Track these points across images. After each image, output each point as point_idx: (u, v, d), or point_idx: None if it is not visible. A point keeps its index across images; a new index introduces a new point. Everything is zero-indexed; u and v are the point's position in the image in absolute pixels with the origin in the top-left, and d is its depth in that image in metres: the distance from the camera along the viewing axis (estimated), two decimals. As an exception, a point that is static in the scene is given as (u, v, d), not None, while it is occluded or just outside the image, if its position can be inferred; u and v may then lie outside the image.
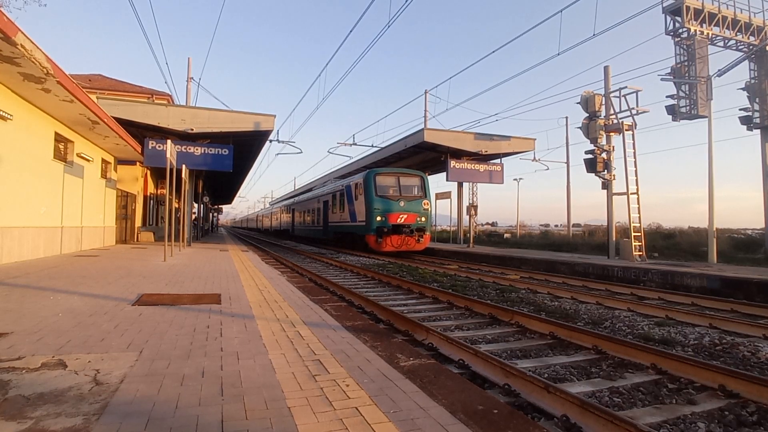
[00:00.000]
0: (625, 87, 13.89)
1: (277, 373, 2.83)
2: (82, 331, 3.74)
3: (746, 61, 15.81)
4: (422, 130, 21.14)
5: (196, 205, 28.45)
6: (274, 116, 17.26)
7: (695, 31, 14.03)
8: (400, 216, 18.65)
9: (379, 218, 18.43)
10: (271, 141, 20.97)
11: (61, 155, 12.05)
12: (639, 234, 13.49)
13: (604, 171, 14.36)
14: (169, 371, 2.81)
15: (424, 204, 19.55)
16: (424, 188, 20.00)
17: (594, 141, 14.49)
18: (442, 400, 2.49)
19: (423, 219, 19.25)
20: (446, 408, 2.39)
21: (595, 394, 3.63)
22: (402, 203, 18.88)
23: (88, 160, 13.76)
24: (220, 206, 67.14)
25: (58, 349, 3.22)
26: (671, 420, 3.16)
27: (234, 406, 2.29)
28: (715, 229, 13.13)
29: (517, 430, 2.18)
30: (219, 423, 2.10)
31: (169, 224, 12.99)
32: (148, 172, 22.38)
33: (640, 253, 13.39)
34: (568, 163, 31.00)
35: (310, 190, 37.84)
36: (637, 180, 13.77)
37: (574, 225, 33.95)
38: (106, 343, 3.43)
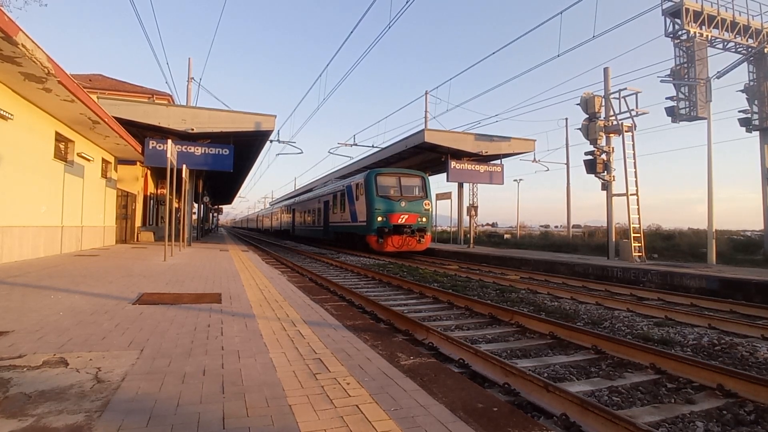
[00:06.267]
0: (625, 88, 13.92)
1: (278, 372, 2.84)
2: (83, 330, 3.75)
3: (745, 63, 15.85)
4: (423, 130, 21.15)
5: (196, 205, 28.45)
6: (275, 116, 17.28)
7: (695, 33, 14.06)
8: (401, 216, 18.64)
9: (380, 218, 18.41)
10: (271, 141, 21.02)
11: (61, 155, 12.06)
12: (638, 235, 13.51)
13: (603, 172, 14.37)
14: (170, 369, 2.83)
15: (425, 204, 19.54)
16: (425, 188, 19.99)
17: (594, 142, 14.51)
18: (443, 399, 2.50)
19: (424, 219, 19.24)
20: (446, 406, 2.40)
21: (595, 393, 3.64)
22: (403, 203, 18.86)
23: (88, 160, 13.77)
24: (220, 206, 67.18)
25: (60, 347, 3.23)
26: (670, 419, 3.17)
27: (235, 404, 2.31)
28: (714, 230, 13.14)
29: (516, 428, 2.19)
30: (220, 420, 2.11)
31: (169, 224, 12.99)
32: (149, 171, 22.40)
33: (640, 254, 13.40)
34: (568, 164, 31.05)
35: (310, 190, 37.75)
36: (636, 181, 13.81)
37: (573, 226, 33.95)
38: (107, 341, 3.44)
